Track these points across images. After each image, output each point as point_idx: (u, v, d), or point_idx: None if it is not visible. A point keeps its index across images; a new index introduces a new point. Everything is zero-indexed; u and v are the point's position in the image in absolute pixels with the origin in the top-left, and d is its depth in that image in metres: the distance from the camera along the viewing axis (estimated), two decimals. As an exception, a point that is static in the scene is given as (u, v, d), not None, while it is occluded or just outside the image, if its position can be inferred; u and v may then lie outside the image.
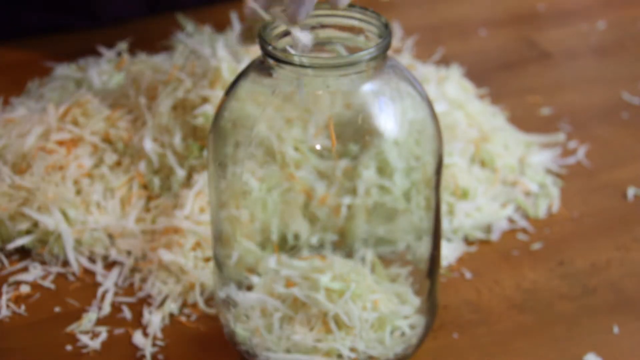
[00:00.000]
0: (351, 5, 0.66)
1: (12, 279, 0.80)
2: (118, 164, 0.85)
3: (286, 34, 0.65)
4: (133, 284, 0.79)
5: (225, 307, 0.71)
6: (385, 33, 0.64)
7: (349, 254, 0.73)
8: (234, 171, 0.67)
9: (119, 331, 0.75)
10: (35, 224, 0.82)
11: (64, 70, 0.97)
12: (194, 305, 0.77)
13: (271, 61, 0.63)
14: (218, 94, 0.81)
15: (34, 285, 0.79)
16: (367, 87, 0.64)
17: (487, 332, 0.75)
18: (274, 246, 0.73)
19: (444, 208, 0.83)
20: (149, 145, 0.82)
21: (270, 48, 0.63)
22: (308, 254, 0.73)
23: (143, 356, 0.73)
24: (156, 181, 0.84)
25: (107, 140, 0.85)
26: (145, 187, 0.84)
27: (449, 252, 0.81)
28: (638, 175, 0.91)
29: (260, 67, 0.65)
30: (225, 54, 0.86)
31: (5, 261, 0.82)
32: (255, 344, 0.69)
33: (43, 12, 1.08)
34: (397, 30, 1.10)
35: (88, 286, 0.79)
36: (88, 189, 0.83)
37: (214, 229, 0.70)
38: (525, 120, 0.97)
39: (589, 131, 0.97)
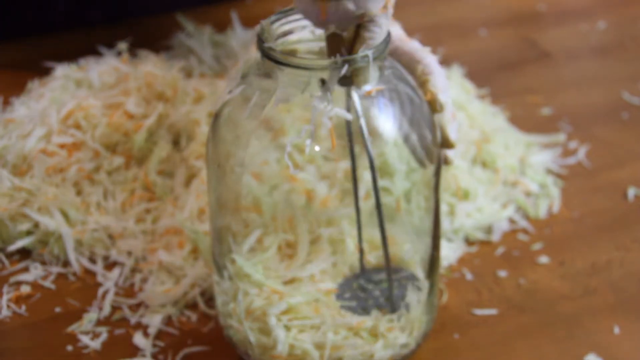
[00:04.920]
0: None
1: (12, 279, 0.80)
2: (126, 165, 0.85)
3: (285, 34, 0.65)
4: (133, 285, 0.79)
5: (225, 308, 0.71)
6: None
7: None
8: (233, 173, 0.67)
9: (119, 331, 0.75)
10: (36, 225, 0.82)
11: (64, 70, 0.97)
12: (194, 306, 0.77)
13: (270, 63, 0.63)
14: None
15: (35, 286, 0.80)
16: (366, 88, 0.64)
17: (487, 332, 0.75)
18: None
19: (445, 209, 0.83)
20: None
21: (269, 49, 0.63)
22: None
23: (143, 356, 0.73)
24: (159, 181, 0.84)
25: (109, 147, 0.85)
26: (147, 188, 0.84)
27: (450, 253, 0.81)
28: (638, 175, 0.91)
29: (260, 68, 0.65)
30: None
31: (6, 261, 0.82)
32: (255, 345, 0.69)
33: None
34: (397, 30, 1.10)
35: (88, 286, 0.79)
36: (88, 190, 0.83)
37: (213, 230, 0.70)
38: (525, 121, 0.97)
39: (589, 131, 0.97)
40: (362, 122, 0.63)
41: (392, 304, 0.69)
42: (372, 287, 0.71)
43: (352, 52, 0.62)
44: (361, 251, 0.70)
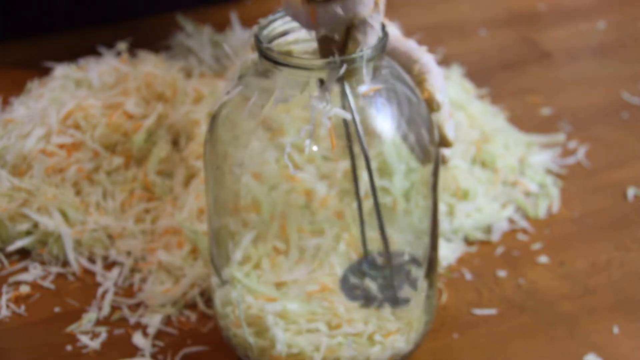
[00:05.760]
0: None
1: (12, 279, 0.80)
2: (125, 165, 0.85)
3: (282, 35, 0.65)
4: (133, 285, 0.79)
5: (224, 311, 0.71)
6: (382, 34, 0.64)
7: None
8: (232, 174, 0.67)
9: (118, 331, 0.75)
10: (35, 225, 0.82)
11: (64, 70, 0.97)
12: (194, 306, 0.77)
13: (268, 63, 0.63)
14: None
15: (34, 286, 0.80)
16: (365, 88, 0.64)
17: (487, 332, 0.75)
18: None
19: (444, 209, 0.83)
20: None
21: (267, 49, 0.63)
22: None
23: (143, 356, 0.73)
24: (158, 181, 0.84)
25: (108, 147, 0.85)
26: (146, 188, 0.84)
27: (449, 253, 0.81)
28: (638, 175, 0.91)
29: (257, 69, 0.65)
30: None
31: (5, 261, 0.82)
32: (254, 347, 0.69)
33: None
34: (397, 30, 1.10)
35: (88, 286, 0.79)
36: (88, 190, 0.83)
37: (211, 232, 0.70)
38: (525, 120, 0.97)
39: (589, 131, 0.97)
40: (357, 119, 0.63)
41: (395, 297, 0.69)
42: (375, 274, 0.70)
43: (344, 53, 0.62)
44: (363, 233, 0.69)
